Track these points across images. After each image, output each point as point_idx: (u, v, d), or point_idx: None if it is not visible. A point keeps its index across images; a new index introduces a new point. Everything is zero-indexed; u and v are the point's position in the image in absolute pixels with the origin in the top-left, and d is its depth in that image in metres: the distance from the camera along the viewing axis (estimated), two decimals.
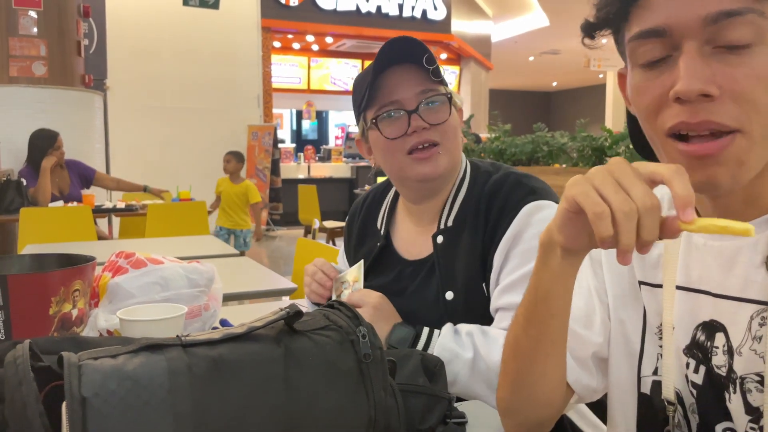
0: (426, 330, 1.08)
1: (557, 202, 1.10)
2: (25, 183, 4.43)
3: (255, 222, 5.92)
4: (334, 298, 1.25)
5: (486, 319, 1.11)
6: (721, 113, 0.60)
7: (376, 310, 1.11)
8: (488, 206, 1.14)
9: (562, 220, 0.63)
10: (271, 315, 0.65)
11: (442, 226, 1.19)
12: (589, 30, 0.70)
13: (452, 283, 1.14)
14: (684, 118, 0.61)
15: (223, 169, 5.82)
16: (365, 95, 1.16)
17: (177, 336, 0.61)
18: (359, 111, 1.21)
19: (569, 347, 0.82)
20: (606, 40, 0.71)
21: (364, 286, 1.24)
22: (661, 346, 0.74)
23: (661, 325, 0.74)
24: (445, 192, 1.21)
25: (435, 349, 1.04)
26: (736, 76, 0.59)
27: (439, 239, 1.18)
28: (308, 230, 7.10)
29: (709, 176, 0.62)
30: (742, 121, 0.59)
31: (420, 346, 1.06)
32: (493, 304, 1.09)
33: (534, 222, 1.07)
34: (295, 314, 0.65)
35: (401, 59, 1.13)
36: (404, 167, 1.17)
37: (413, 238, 1.25)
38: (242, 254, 2.54)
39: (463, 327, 1.07)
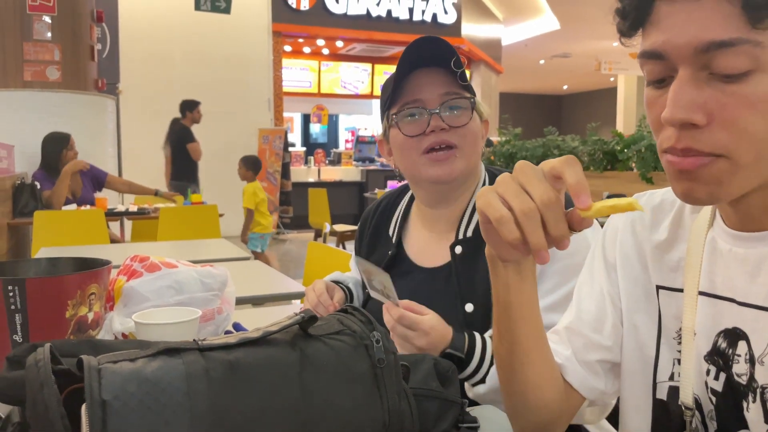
0: (478, 336, 1.04)
1: None
2: (39, 186, 4.48)
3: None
4: (366, 283, 1.22)
5: None
6: (704, 141, 0.60)
7: (429, 335, 1.00)
8: None
9: (483, 233, 0.66)
10: (286, 319, 0.65)
11: (460, 236, 1.17)
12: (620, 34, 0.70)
13: (472, 295, 1.12)
14: (672, 143, 0.62)
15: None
16: (390, 94, 1.17)
17: (194, 340, 0.62)
18: (384, 110, 1.22)
19: (576, 350, 0.83)
20: (617, 44, 0.71)
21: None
22: (679, 351, 0.74)
23: (680, 330, 0.74)
24: (463, 200, 1.20)
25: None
26: (727, 104, 0.58)
27: (458, 249, 1.17)
28: (318, 233, 7.12)
29: (685, 189, 0.63)
30: (729, 148, 0.59)
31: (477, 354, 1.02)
32: None
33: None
34: (309, 319, 0.66)
35: (428, 62, 1.14)
36: (419, 167, 1.17)
37: (427, 245, 1.24)
38: (256, 257, 2.55)
39: None
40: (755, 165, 0.60)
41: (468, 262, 1.15)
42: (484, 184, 1.21)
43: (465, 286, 1.14)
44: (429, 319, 0.99)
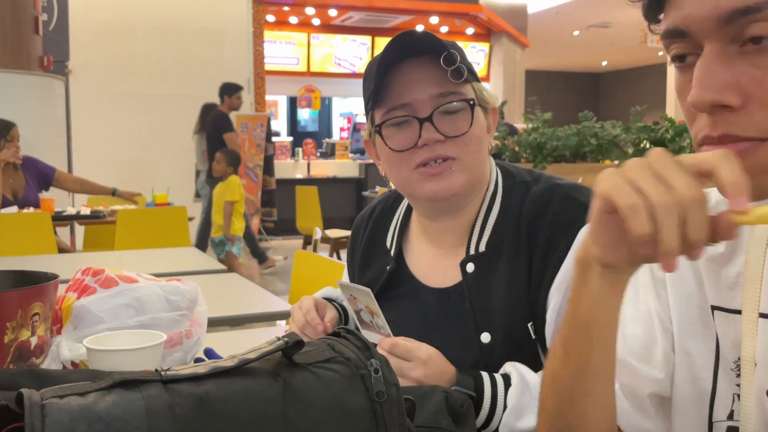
0: (487, 378, 1.04)
1: None
2: None
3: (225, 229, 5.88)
4: (352, 316, 1.24)
5: (529, 362, 1.08)
6: (743, 124, 0.61)
7: (427, 366, 1.02)
8: (533, 228, 1.12)
9: (595, 225, 0.63)
10: (266, 345, 0.66)
11: (472, 252, 1.17)
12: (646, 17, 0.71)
13: (489, 323, 1.12)
14: (707, 132, 0.63)
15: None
16: (371, 94, 1.14)
17: (156, 370, 0.62)
18: (367, 108, 1.20)
19: (622, 383, 0.83)
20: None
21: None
22: (738, 386, 0.73)
23: (739, 359, 0.73)
24: (471, 209, 1.19)
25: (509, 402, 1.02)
26: (764, 80, 0.59)
27: (470, 267, 1.16)
28: (308, 240, 7.13)
29: None
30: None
31: (488, 394, 1.03)
32: None
33: None
34: (294, 344, 0.66)
35: (418, 51, 1.12)
36: (411, 183, 1.16)
37: (433, 262, 1.24)
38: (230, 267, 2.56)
39: (532, 376, 1.04)
40: None
41: (482, 282, 1.15)
42: (496, 187, 1.20)
43: (480, 311, 1.13)
44: (427, 348, 1.02)
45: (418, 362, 1.00)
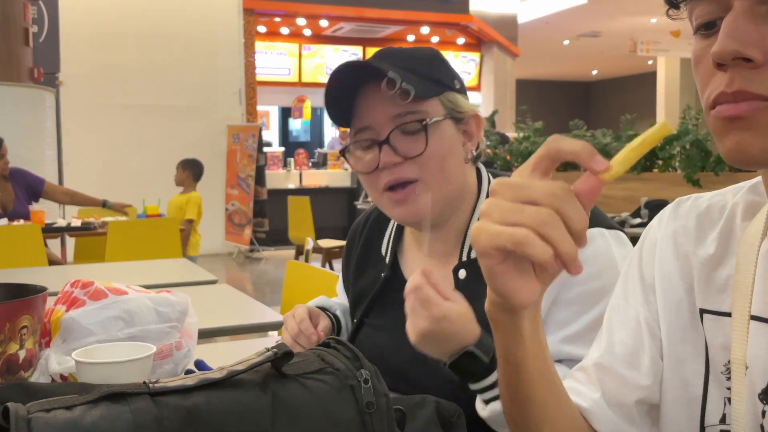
0: None
1: (608, 227, 1.10)
2: None
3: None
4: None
5: None
6: (762, 82, 0.61)
7: (440, 323, 0.95)
8: None
9: (495, 281, 0.64)
10: (255, 356, 0.65)
11: (464, 258, 1.18)
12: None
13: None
14: (722, 89, 0.63)
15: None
16: (333, 120, 1.19)
17: (144, 382, 0.61)
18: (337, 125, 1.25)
19: (607, 392, 0.83)
20: (656, 20, 0.73)
21: (367, 324, 1.25)
22: (729, 389, 0.73)
23: (729, 362, 0.73)
24: (459, 219, 1.20)
25: None
26: None
27: (462, 274, 1.17)
28: (300, 251, 7.12)
29: (737, 142, 0.64)
30: None
31: None
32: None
33: (589, 258, 1.05)
34: (283, 355, 0.66)
35: (366, 80, 1.13)
36: (382, 205, 1.18)
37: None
38: None
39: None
40: None
41: (474, 288, 1.15)
42: (487, 194, 1.20)
43: None
44: (448, 307, 0.94)
45: (429, 317, 0.93)
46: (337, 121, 1.19)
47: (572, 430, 0.79)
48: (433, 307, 0.93)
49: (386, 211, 1.18)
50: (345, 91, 1.15)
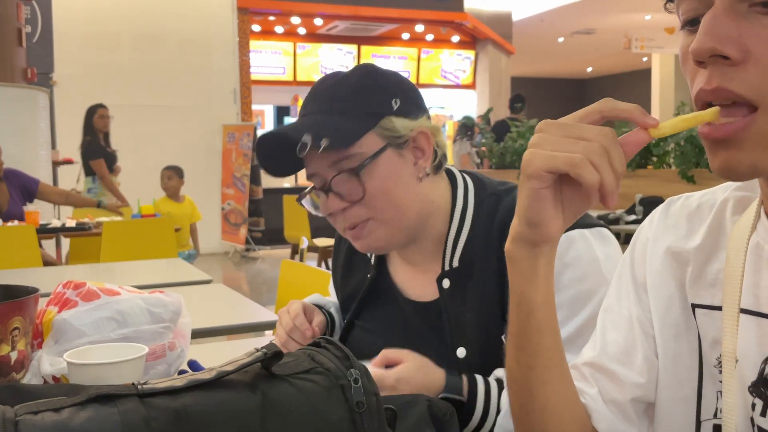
0: (481, 381, 1.05)
1: (588, 225, 1.08)
2: None
3: (195, 246, 6.08)
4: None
5: None
6: (738, 80, 0.62)
7: (396, 389, 1.01)
8: (503, 241, 1.11)
9: (533, 205, 0.69)
10: (245, 357, 0.65)
11: (446, 267, 1.17)
12: None
13: (463, 337, 1.12)
14: (702, 86, 0.65)
15: (163, 187, 5.95)
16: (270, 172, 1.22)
17: (132, 384, 0.61)
18: None
19: (603, 390, 0.83)
20: (650, 16, 0.73)
21: (357, 325, 1.25)
22: (721, 382, 0.74)
23: (720, 356, 0.74)
24: (435, 231, 1.18)
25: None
26: (751, 37, 0.61)
27: (445, 283, 1.16)
28: (295, 250, 7.12)
29: (724, 160, 0.65)
30: (759, 89, 0.62)
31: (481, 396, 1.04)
32: None
33: (571, 261, 1.05)
34: (273, 355, 0.65)
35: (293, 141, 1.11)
36: (348, 239, 1.20)
37: (413, 276, 1.24)
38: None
39: None
40: None
41: (457, 297, 1.15)
42: (466, 202, 1.18)
43: (455, 326, 1.14)
44: (398, 371, 1.00)
45: (388, 389, 0.99)
46: (278, 173, 1.21)
47: (573, 405, 0.80)
48: (384, 380, 0.99)
49: (352, 242, 1.20)
50: (281, 151, 1.16)
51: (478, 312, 1.12)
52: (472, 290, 1.14)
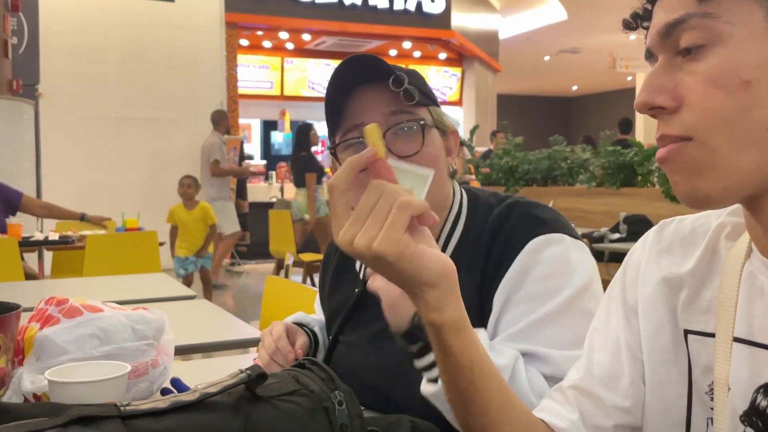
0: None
1: (571, 235, 1.11)
2: None
3: (215, 249, 6.31)
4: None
5: None
6: (675, 125, 0.67)
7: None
8: (490, 243, 1.14)
9: (387, 276, 0.73)
10: (228, 378, 0.65)
11: None
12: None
13: None
14: (656, 135, 0.70)
15: (181, 194, 6.07)
16: (329, 119, 1.17)
17: (115, 405, 0.61)
18: (329, 132, 1.22)
19: (585, 413, 0.83)
20: (635, 36, 0.77)
21: (341, 341, 1.24)
22: (712, 409, 0.74)
23: (712, 383, 0.74)
24: (435, 229, 1.21)
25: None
26: (691, 84, 0.66)
27: None
28: (280, 265, 7.09)
29: (673, 184, 0.69)
30: (694, 129, 0.66)
31: None
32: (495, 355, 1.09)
33: (543, 260, 1.08)
34: (257, 377, 0.65)
35: (369, 78, 1.13)
36: None
37: None
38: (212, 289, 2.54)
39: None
40: (735, 151, 0.64)
41: None
42: (460, 209, 1.21)
43: None
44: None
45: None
46: (331, 120, 1.18)
47: (531, 426, 0.82)
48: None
49: None
50: (339, 90, 1.14)
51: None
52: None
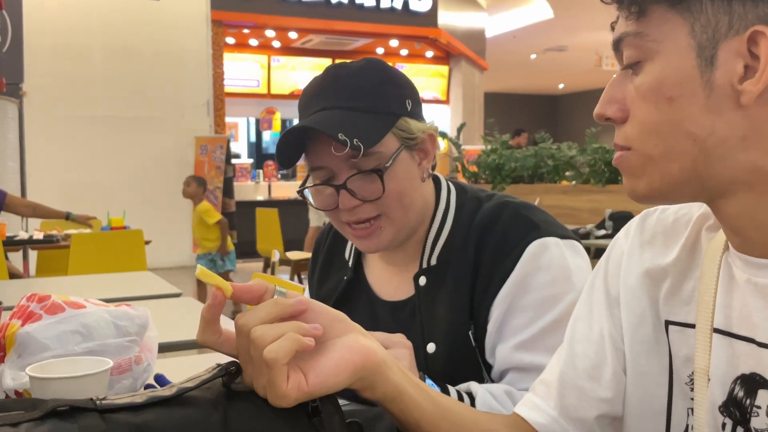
0: (453, 391, 1.04)
1: (562, 236, 1.12)
2: None
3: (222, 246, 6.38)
4: None
5: (471, 372, 1.12)
6: (620, 135, 0.72)
7: (412, 351, 1.05)
8: (480, 242, 1.14)
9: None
10: (205, 372, 0.65)
11: (424, 265, 1.19)
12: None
13: (434, 332, 1.14)
14: None
15: (183, 193, 6.23)
16: (280, 159, 1.14)
17: (92, 399, 0.61)
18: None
19: (567, 407, 0.83)
20: None
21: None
22: (692, 399, 0.74)
23: (692, 373, 0.74)
24: (418, 234, 1.20)
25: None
26: (633, 97, 0.70)
27: (422, 280, 1.18)
28: (268, 263, 7.08)
29: (623, 182, 0.75)
30: (632, 140, 0.71)
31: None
32: (501, 362, 1.10)
33: (543, 265, 1.08)
34: (234, 372, 0.65)
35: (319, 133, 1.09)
36: (345, 234, 1.18)
37: (389, 276, 1.26)
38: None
39: (495, 388, 1.06)
40: (666, 160, 0.68)
41: (432, 293, 1.17)
42: (448, 204, 1.21)
43: (428, 322, 1.16)
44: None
45: (402, 347, 1.03)
46: (286, 164, 1.15)
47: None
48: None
49: (350, 238, 1.19)
50: (295, 137, 1.12)
51: (449, 309, 1.14)
52: (446, 288, 1.15)
